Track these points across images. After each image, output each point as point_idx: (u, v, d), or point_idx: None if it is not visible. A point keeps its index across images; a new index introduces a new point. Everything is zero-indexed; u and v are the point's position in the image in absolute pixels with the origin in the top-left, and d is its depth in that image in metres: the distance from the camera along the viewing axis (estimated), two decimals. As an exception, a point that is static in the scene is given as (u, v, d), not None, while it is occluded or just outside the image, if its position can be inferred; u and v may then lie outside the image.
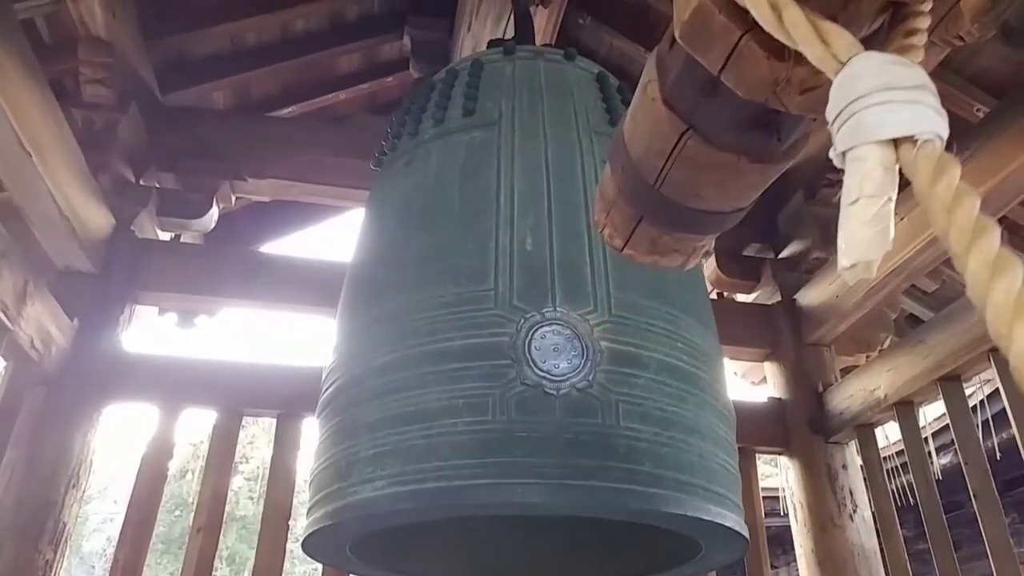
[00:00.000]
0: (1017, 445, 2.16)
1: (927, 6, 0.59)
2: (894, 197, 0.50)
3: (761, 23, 0.56)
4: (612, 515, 1.27)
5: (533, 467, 1.13)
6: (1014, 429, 2.16)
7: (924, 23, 0.60)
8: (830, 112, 0.52)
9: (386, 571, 1.63)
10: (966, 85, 2.84)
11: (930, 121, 0.48)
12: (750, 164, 0.71)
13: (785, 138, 0.71)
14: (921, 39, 0.59)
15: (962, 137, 2.30)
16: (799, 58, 0.57)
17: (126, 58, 2.77)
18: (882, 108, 0.49)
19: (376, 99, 3.86)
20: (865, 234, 0.49)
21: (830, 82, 0.53)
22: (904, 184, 0.50)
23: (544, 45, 2.15)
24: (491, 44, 1.99)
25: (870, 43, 0.57)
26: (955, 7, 0.82)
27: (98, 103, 2.71)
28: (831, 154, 0.52)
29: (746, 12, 0.57)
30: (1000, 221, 2.85)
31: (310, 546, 1.37)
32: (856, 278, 0.51)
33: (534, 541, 1.78)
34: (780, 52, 0.60)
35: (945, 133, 0.49)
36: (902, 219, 2.47)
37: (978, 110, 2.76)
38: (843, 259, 0.50)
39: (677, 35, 0.66)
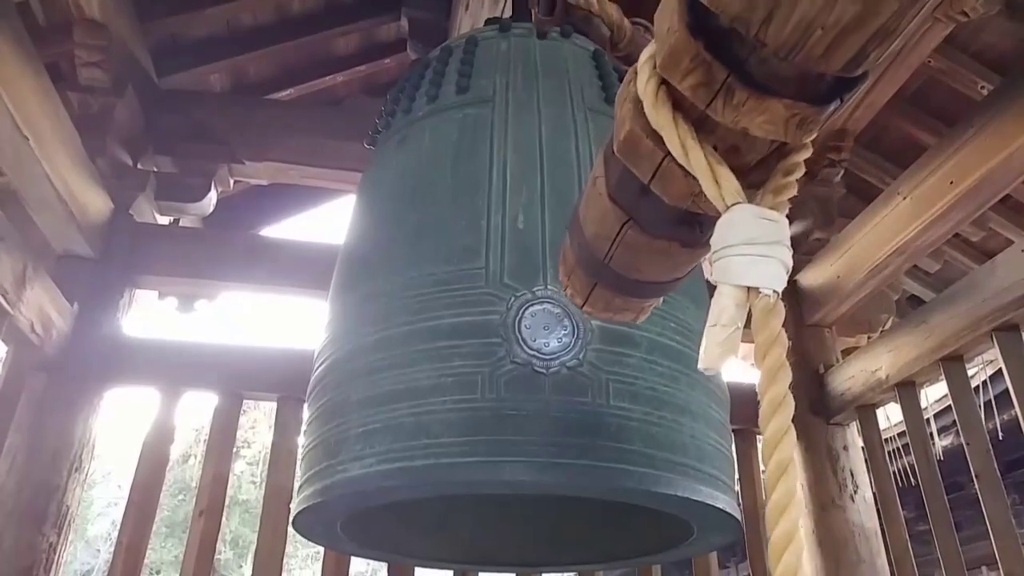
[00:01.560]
0: (1019, 426, 2.15)
1: (807, 139, 0.70)
2: (741, 326, 0.64)
3: (673, 155, 0.70)
4: (602, 495, 1.27)
5: (522, 445, 1.12)
6: (1016, 410, 2.14)
7: (803, 156, 0.74)
8: (712, 246, 0.67)
9: (378, 551, 1.63)
10: (970, 62, 2.81)
11: (772, 278, 0.64)
12: (680, 249, 0.85)
13: (707, 231, 0.81)
14: (798, 174, 0.73)
15: (966, 114, 2.27)
16: None
17: (122, 41, 2.75)
18: (742, 260, 0.64)
19: (373, 81, 3.83)
20: (716, 352, 0.66)
21: None
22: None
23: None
24: (488, 22, 1.97)
25: (767, 162, 0.73)
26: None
27: (94, 86, 2.69)
28: (708, 278, 0.68)
29: None
30: (1004, 200, 2.81)
31: (301, 524, 1.37)
32: (710, 373, 0.70)
33: (525, 523, 1.78)
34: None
35: (781, 287, 0.64)
36: (904, 199, 2.45)
37: (982, 87, 2.73)
38: (700, 363, 0.68)
39: (615, 149, 0.79)
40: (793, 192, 0.72)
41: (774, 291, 0.64)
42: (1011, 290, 2.11)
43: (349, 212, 1.78)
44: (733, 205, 0.66)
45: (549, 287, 1.25)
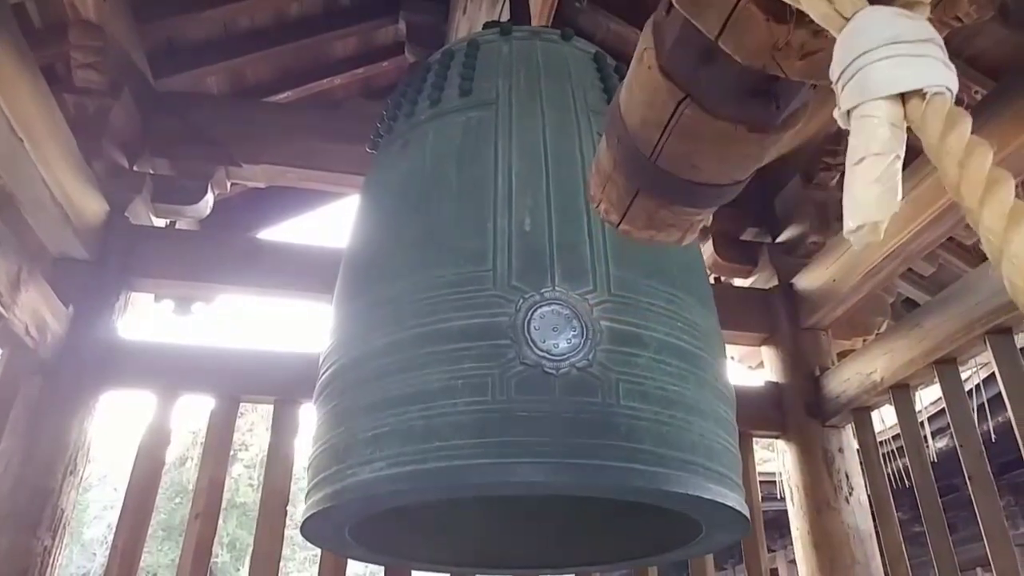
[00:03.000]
0: (1012, 428, 2.16)
1: None
2: (902, 155, 0.48)
3: None
4: (613, 494, 1.27)
5: (533, 446, 1.13)
6: (1009, 413, 2.16)
7: None
8: (834, 70, 0.50)
9: (386, 555, 1.63)
10: (964, 67, 2.83)
11: (939, 74, 0.46)
12: (748, 134, 0.70)
13: (784, 106, 0.69)
14: None
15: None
16: (800, 20, 0.56)
17: (118, 42, 2.74)
18: (889, 62, 0.47)
19: (371, 84, 3.83)
20: (872, 194, 0.48)
21: (831, 45, 0.52)
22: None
23: (542, 26, 2.14)
24: (487, 25, 1.97)
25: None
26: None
27: (90, 88, 2.68)
28: (835, 114, 0.51)
29: None
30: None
31: (309, 530, 1.37)
32: (862, 242, 0.50)
33: (534, 525, 1.78)
34: (780, 14, 0.59)
35: (955, 86, 0.47)
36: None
37: (976, 92, 2.75)
38: (849, 220, 0.49)
39: (674, 0, 0.64)
40: (927, 13, 0.55)
41: (948, 88, 0.47)
42: (1004, 293, 2.09)
43: (351, 216, 1.78)
44: (859, 11, 0.50)
45: (557, 288, 1.26)
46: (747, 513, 1.30)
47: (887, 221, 0.49)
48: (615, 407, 1.17)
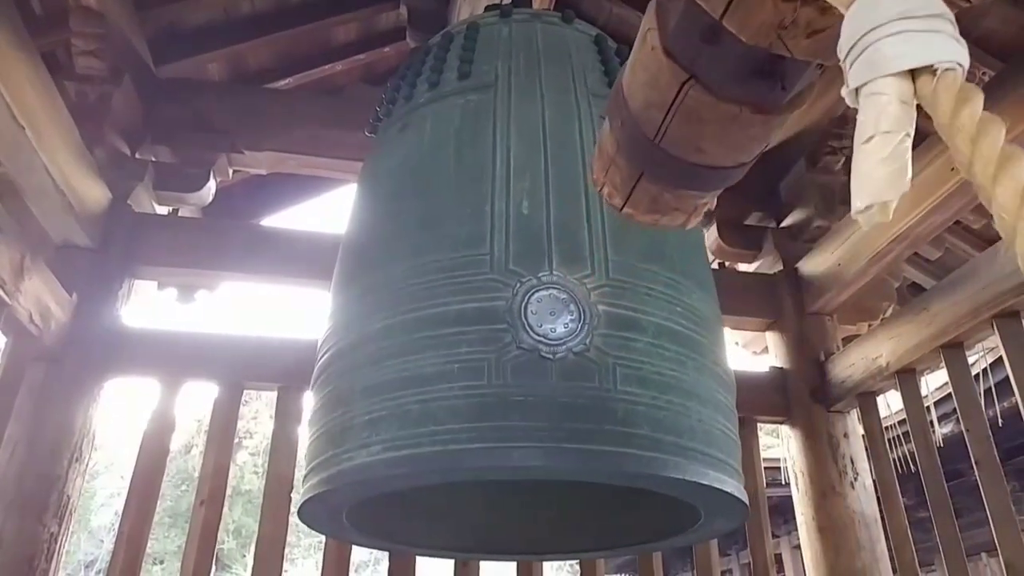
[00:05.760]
0: (1020, 413, 2.15)
1: None
2: (912, 133, 0.47)
3: None
4: (609, 479, 1.27)
5: (529, 431, 1.12)
6: (1017, 397, 2.15)
7: None
8: (842, 46, 0.49)
9: (387, 541, 1.63)
10: (972, 48, 2.78)
11: (950, 50, 0.45)
12: (753, 115, 0.69)
13: (789, 87, 0.68)
14: None
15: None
16: None
17: (118, 29, 2.72)
18: (899, 38, 0.46)
19: (373, 70, 3.81)
20: (881, 173, 0.46)
21: (839, 22, 0.51)
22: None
23: (543, 9, 2.12)
24: (488, 8, 1.95)
25: None
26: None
27: (91, 75, 2.67)
28: (843, 92, 0.50)
29: None
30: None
31: (306, 514, 1.37)
32: (871, 222, 0.49)
33: (530, 511, 1.78)
34: None
35: (966, 61, 0.46)
36: (905, 184, 2.44)
37: (984, 73, 2.72)
38: (857, 200, 0.48)
39: None
40: None
41: (959, 64, 0.46)
42: (1012, 277, 2.11)
43: (351, 201, 1.77)
44: None
45: (555, 272, 1.25)
46: (745, 499, 1.30)
47: (896, 200, 0.47)
48: (612, 392, 1.16)
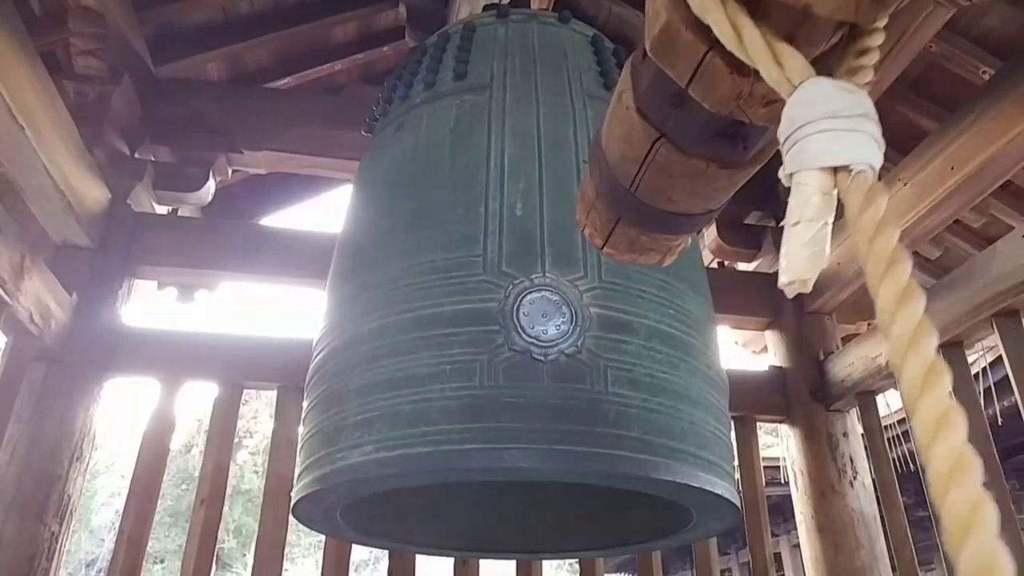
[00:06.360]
0: (1019, 412, 2.15)
1: (881, 23, 0.61)
2: (831, 221, 0.53)
3: (723, 42, 0.59)
4: (600, 481, 1.27)
5: (520, 432, 1.12)
6: (1016, 396, 2.14)
7: (877, 41, 0.62)
8: (781, 134, 0.54)
9: (378, 538, 1.64)
10: (972, 47, 2.79)
11: (866, 152, 0.52)
12: (718, 170, 0.74)
13: (751, 146, 0.73)
14: (872, 58, 0.62)
15: (968, 100, 2.26)
16: (760, 74, 0.60)
17: (117, 29, 2.73)
18: (824, 136, 0.52)
19: (371, 69, 3.81)
20: (803, 255, 0.53)
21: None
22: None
23: (541, 9, 2.12)
24: (486, 8, 1.95)
25: (827, 58, 0.61)
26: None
27: (90, 75, 2.67)
28: (780, 174, 0.55)
29: (711, 30, 0.60)
30: (1005, 186, 2.80)
31: (301, 511, 1.37)
32: (793, 293, 0.56)
33: (524, 511, 1.78)
34: (743, 68, 0.62)
35: (878, 163, 0.52)
36: (905, 185, 2.44)
37: (984, 72, 2.71)
38: (782, 276, 0.55)
39: (648, 49, 0.69)
40: (870, 76, 0.61)
41: (871, 166, 0.52)
42: (1011, 276, 2.10)
43: (347, 200, 1.77)
44: (805, 80, 0.55)
45: (547, 274, 1.25)
46: (737, 501, 1.30)
47: (815, 277, 0.54)
48: (603, 394, 1.17)
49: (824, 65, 0.60)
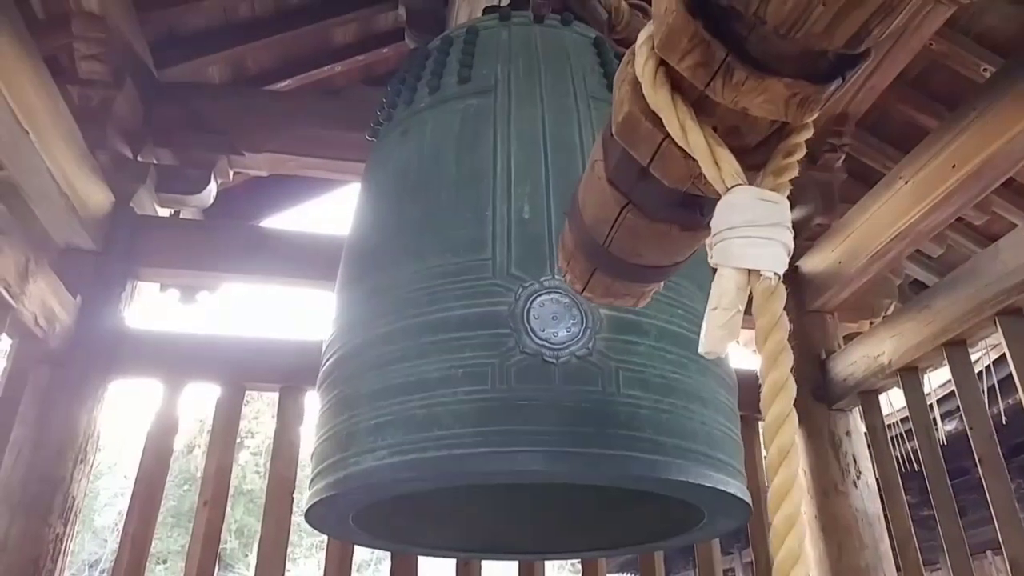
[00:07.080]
0: (1023, 410, 2.15)
1: (809, 120, 0.69)
2: (742, 310, 0.65)
3: (673, 137, 0.69)
4: (613, 482, 1.27)
5: (533, 435, 1.13)
6: (1020, 394, 2.14)
7: (806, 135, 0.73)
8: (713, 228, 0.66)
9: (390, 541, 1.64)
10: (972, 45, 2.79)
11: (773, 261, 0.64)
12: (681, 232, 0.84)
13: (708, 213, 0.80)
14: (799, 155, 0.72)
15: (968, 98, 2.26)
16: None
17: (120, 33, 2.73)
18: (743, 241, 0.64)
19: (372, 71, 3.81)
20: (717, 335, 0.66)
21: None
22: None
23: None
24: (487, 11, 1.95)
25: (770, 142, 0.72)
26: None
27: (93, 79, 2.68)
28: (710, 260, 0.66)
29: None
30: (1007, 183, 2.80)
31: (313, 517, 1.38)
32: (712, 357, 0.70)
33: (537, 512, 1.79)
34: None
35: (783, 270, 0.64)
36: (906, 183, 2.44)
37: (984, 70, 2.72)
38: (701, 347, 0.68)
39: (614, 132, 0.78)
40: (794, 173, 0.72)
41: (775, 274, 0.64)
42: (1015, 274, 2.11)
43: (352, 204, 1.77)
44: (733, 187, 0.65)
45: (557, 277, 1.25)
46: (748, 500, 1.30)
47: (727, 351, 0.69)
48: (615, 395, 1.17)
49: (765, 149, 0.72)
